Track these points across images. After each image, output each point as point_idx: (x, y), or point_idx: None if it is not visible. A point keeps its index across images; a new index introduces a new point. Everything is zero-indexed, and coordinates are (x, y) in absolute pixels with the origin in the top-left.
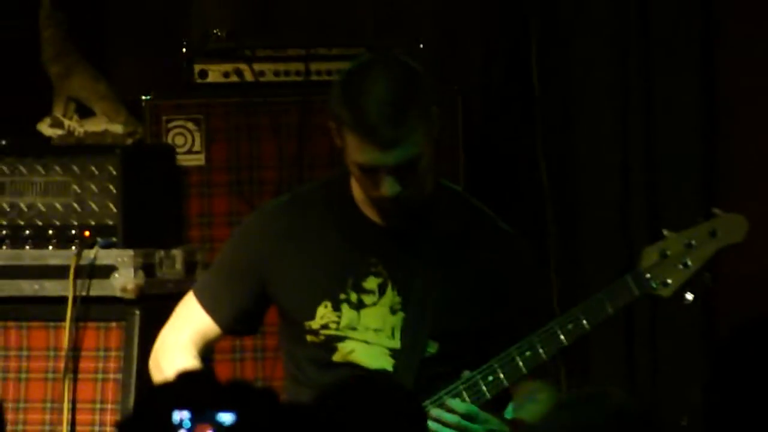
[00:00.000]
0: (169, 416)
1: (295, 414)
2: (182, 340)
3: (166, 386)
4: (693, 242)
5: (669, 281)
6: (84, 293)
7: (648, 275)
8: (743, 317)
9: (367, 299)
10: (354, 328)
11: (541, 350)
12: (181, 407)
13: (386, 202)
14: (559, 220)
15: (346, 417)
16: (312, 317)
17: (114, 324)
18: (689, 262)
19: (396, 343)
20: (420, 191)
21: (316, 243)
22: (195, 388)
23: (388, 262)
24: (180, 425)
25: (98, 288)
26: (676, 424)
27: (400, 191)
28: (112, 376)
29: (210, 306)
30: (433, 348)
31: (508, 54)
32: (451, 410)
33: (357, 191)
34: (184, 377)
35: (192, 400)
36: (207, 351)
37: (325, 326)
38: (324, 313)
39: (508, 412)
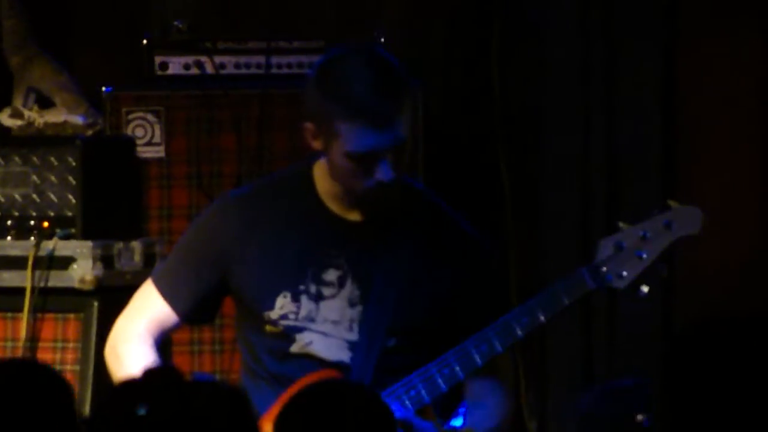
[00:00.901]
0: (135, 412)
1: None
2: (139, 328)
3: (132, 382)
4: (648, 234)
5: (624, 273)
6: (42, 284)
7: (604, 268)
8: (699, 312)
9: (327, 291)
10: (312, 320)
11: (496, 343)
12: (146, 402)
13: (375, 191)
14: (518, 216)
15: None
16: (271, 307)
17: (72, 315)
18: (644, 255)
19: (354, 336)
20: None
21: (277, 234)
22: (160, 384)
23: (348, 255)
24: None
25: (57, 279)
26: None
27: (394, 175)
28: (69, 367)
29: (168, 294)
30: (390, 341)
31: (469, 50)
32: None
33: (323, 185)
34: (149, 373)
35: (157, 395)
36: (163, 340)
37: (284, 316)
38: (283, 303)
39: (458, 420)
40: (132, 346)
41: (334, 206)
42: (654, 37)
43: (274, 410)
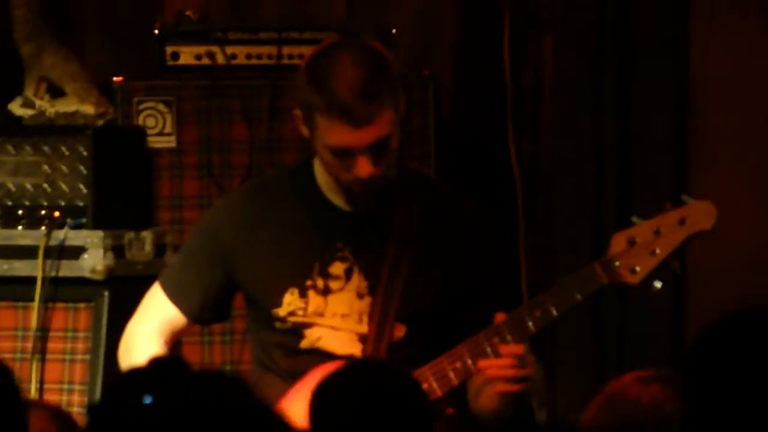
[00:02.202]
0: (140, 399)
1: (263, 409)
2: (150, 330)
3: (138, 370)
4: (662, 229)
5: (637, 269)
6: (53, 274)
7: (617, 263)
8: (714, 308)
9: (334, 285)
10: (321, 314)
11: (509, 337)
12: (151, 391)
13: (357, 185)
14: (529, 208)
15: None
16: (279, 304)
17: (83, 305)
18: (657, 250)
19: (364, 328)
20: (389, 173)
21: (281, 230)
22: (166, 373)
23: (354, 247)
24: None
25: (67, 269)
26: None
27: (374, 171)
28: (80, 357)
29: (176, 296)
30: (400, 332)
31: (481, 41)
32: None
33: (322, 177)
34: (155, 363)
35: (163, 385)
36: (175, 340)
37: (292, 313)
38: (291, 299)
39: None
40: (144, 347)
41: (335, 198)
42: (667, 18)
43: (294, 396)
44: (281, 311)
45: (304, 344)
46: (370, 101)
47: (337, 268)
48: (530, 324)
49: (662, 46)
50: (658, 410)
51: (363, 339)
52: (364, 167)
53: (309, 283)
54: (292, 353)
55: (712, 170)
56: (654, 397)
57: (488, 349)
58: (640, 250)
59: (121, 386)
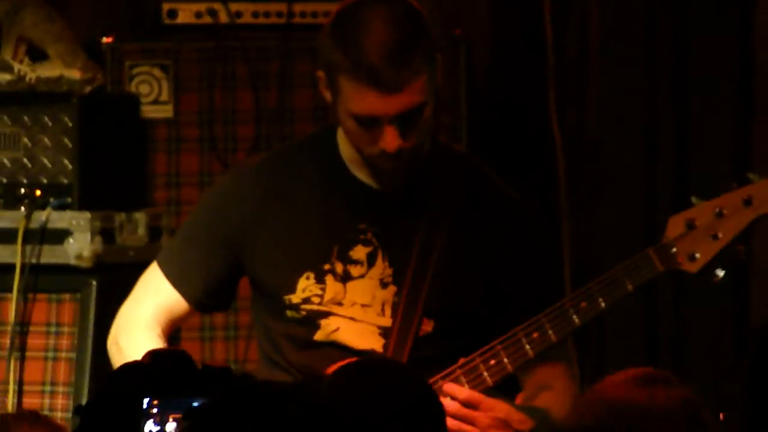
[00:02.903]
0: (138, 401)
1: (275, 401)
2: (145, 316)
3: (136, 367)
4: (725, 211)
5: (697, 255)
6: (34, 260)
7: (674, 248)
8: None
9: (355, 270)
10: (339, 303)
11: (550, 331)
12: (151, 391)
13: (385, 159)
14: (572, 185)
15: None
16: (292, 290)
17: (67, 296)
18: (720, 234)
19: (386, 321)
20: (420, 147)
21: (298, 207)
22: (167, 371)
23: (379, 229)
24: (150, 411)
25: (50, 255)
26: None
27: (403, 145)
28: (64, 354)
29: (177, 278)
30: (428, 326)
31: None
32: (451, 396)
33: (346, 149)
34: (155, 358)
35: (163, 384)
36: (173, 329)
37: (306, 300)
38: (306, 285)
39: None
40: (137, 336)
41: (360, 174)
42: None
43: None
44: (294, 298)
45: (319, 336)
46: (402, 65)
47: (359, 252)
48: (575, 317)
49: (726, 12)
50: (674, 415)
51: (385, 333)
52: (391, 139)
53: (327, 267)
54: (304, 346)
55: None
56: (663, 401)
57: (527, 346)
58: (701, 233)
59: (115, 386)
